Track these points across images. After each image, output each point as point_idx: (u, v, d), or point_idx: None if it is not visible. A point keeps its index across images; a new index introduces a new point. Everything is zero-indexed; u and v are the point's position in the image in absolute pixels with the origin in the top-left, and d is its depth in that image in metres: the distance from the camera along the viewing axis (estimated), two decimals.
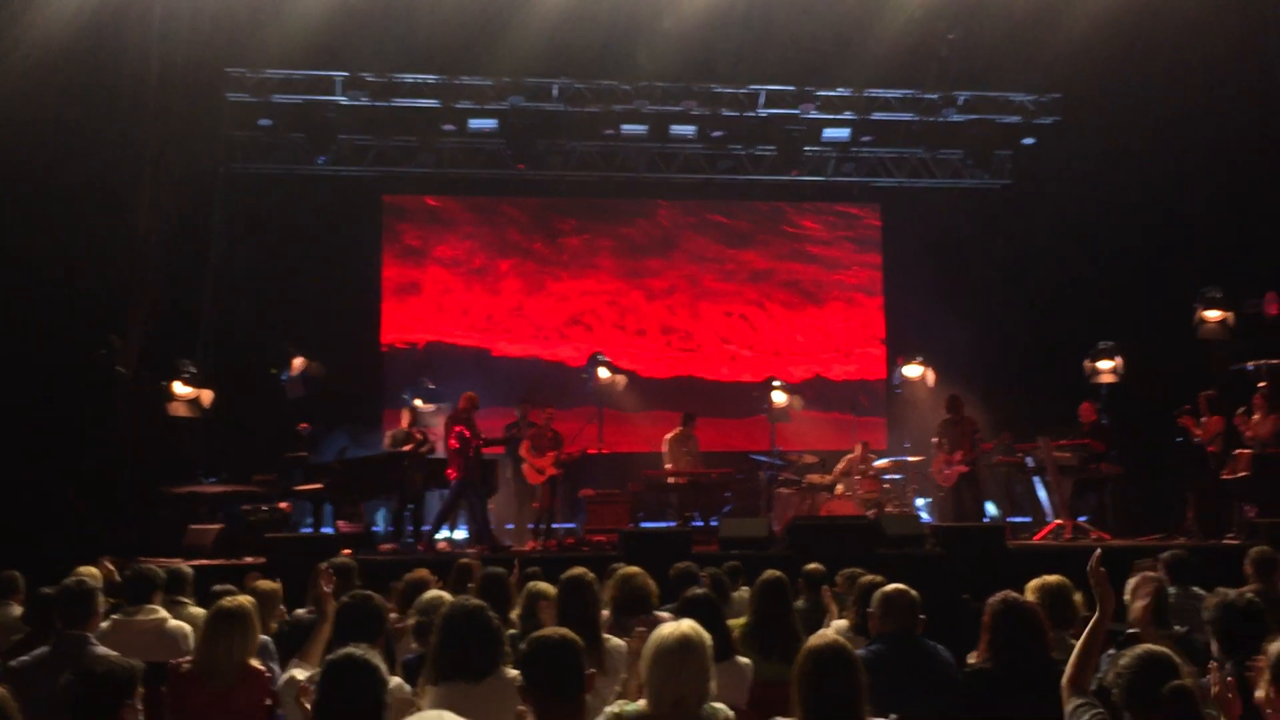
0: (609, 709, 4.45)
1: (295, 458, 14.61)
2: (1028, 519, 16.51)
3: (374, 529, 15.59)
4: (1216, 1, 14.90)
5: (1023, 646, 5.23)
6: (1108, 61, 16.44)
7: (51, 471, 13.51)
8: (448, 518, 14.60)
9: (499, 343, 19.51)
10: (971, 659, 5.56)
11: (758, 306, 20.28)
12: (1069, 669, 4.37)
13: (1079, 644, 4.41)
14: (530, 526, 15.42)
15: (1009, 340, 18.84)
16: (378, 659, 3.92)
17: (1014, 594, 5.47)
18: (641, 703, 4.40)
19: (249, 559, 12.13)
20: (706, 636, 4.41)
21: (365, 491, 14.67)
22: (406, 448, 14.28)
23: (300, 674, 5.06)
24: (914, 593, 5.69)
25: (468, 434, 14.16)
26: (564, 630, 4.13)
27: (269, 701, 5.77)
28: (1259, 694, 4.27)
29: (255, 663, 5.82)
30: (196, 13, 15.53)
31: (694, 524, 15.27)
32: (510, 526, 16.06)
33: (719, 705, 4.38)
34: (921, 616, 5.68)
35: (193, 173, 16.12)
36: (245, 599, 6.00)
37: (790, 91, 18.43)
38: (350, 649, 3.89)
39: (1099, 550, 4.97)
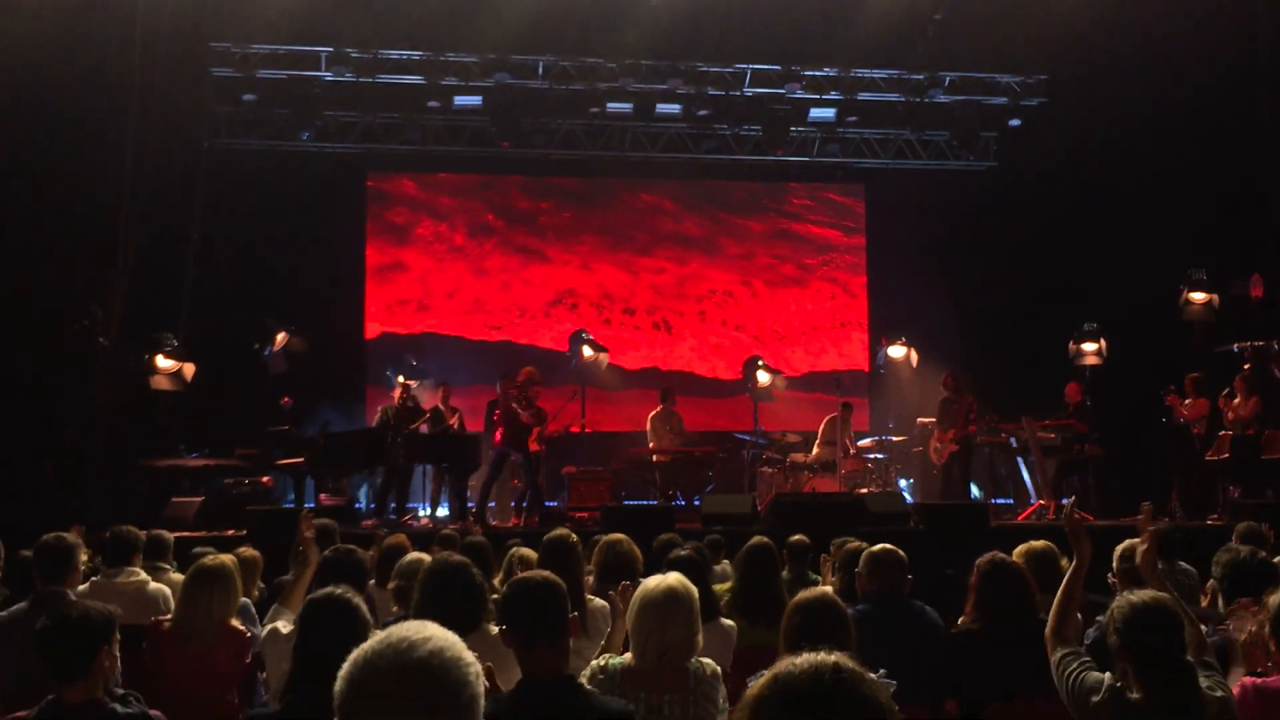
0: (595, 662, 4.42)
1: (277, 432, 14.53)
2: (1009, 500, 16.54)
3: (356, 505, 15.52)
4: None
5: (1010, 606, 5.22)
6: (1094, 44, 16.43)
7: (30, 443, 13.42)
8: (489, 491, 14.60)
9: (486, 327, 19.40)
10: (960, 621, 5.54)
11: (744, 287, 20.22)
12: (1051, 619, 4.34)
13: (1059, 593, 4.38)
14: (513, 504, 15.38)
15: (994, 321, 18.83)
16: (359, 600, 3.87)
17: (1002, 554, 5.45)
18: (627, 656, 4.37)
19: (230, 532, 12.08)
20: (693, 589, 4.39)
21: (348, 466, 14.63)
22: (430, 424, 14.64)
23: (283, 625, 5.00)
24: (901, 553, 5.67)
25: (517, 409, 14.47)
26: (546, 573, 4.08)
27: (248, 660, 5.72)
28: (1242, 637, 4.27)
29: (235, 623, 5.76)
30: None
31: (676, 503, 15.27)
32: (492, 504, 15.99)
33: (705, 660, 4.35)
34: (909, 577, 5.65)
35: (176, 147, 16.00)
36: (227, 558, 5.95)
37: (776, 71, 18.36)
38: (331, 588, 3.85)
39: (1074, 497, 4.97)
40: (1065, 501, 5.05)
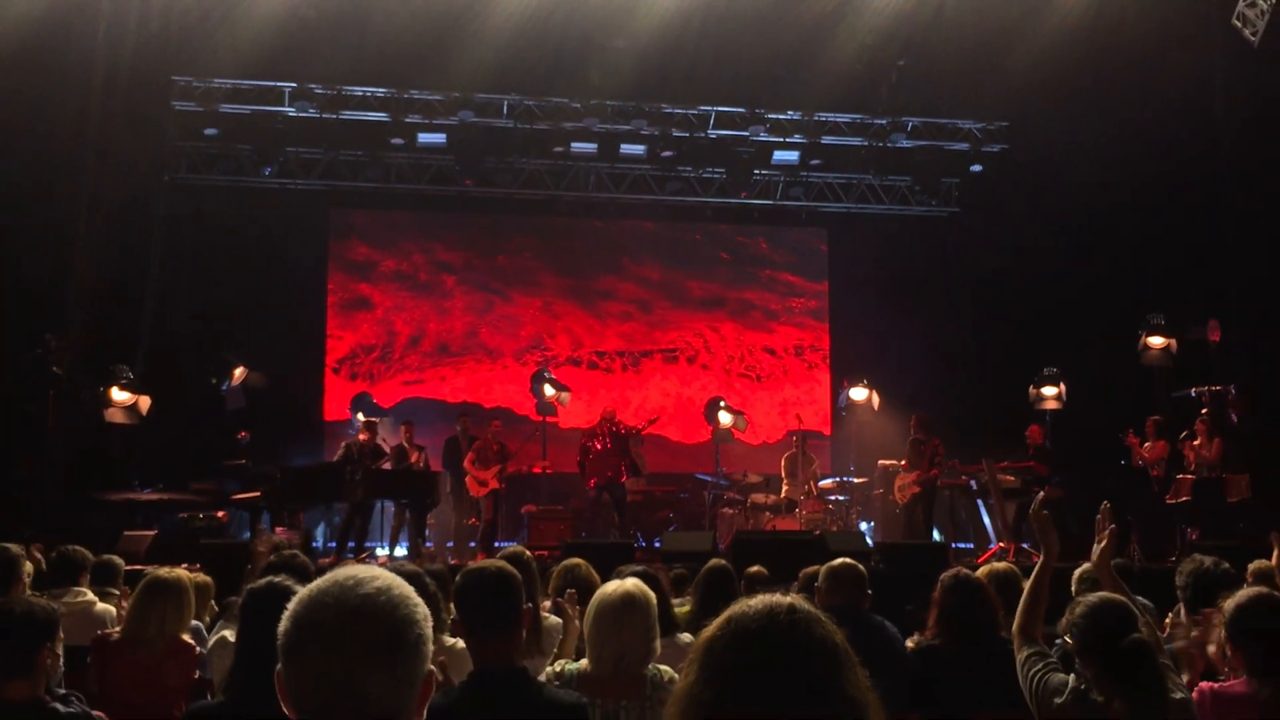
0: (550, 668, 4.35)
1: (234, 466, 14.37)
2: (970, 545, 16.50)
3: (313, 543, 15.35)
4: (1160, 33, 15.06)
5: (972, 622, 5.17)
6: (1054, 91, 16.62)
7: None
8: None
9: (449, 376, 19.27)
10: (921, 636, 5.49)
11: (707, 329, 20.19)
12: (1017, 617, 4.29)
13: (1026, 591, 4.33)
14: (471, 545, 15.26)
15: (955, 364, 18.91)
16: (300, 588, 3.78)
17: (965, 570, 5.41)
18: (583, 661, 4.30)
19: (184, 566, 11.87)
20: (651, 595, 4.31)
21: (305, 501, 14.47)
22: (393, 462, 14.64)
23: (230, 634, 4.90)
24: (860, 567, 5.62)
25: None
26: (501, 563, 4.00)
27: (196, 676, 5.60)
28: (1211, 649, 4.23)
29: (186, 637, 5.64)
30: (144, 19, 15.39)
31: (638, 544, 15.17)
32: (450, 545, 15.89)
33: (663, 667, 4.28)
34: (869, 591, 5.59)
35: (136, 180, 15.85)
36: (181, 571, 5.83)
37: (740, 113, 18.46)
38: (272, 577, 3.76)
39: (1042, 494, 4.94)
40: (1040, 493, 5.01)
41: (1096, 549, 4.82)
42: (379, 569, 2.05)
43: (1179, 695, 3.79)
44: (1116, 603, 3.95)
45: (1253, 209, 14.94)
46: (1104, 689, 3.76)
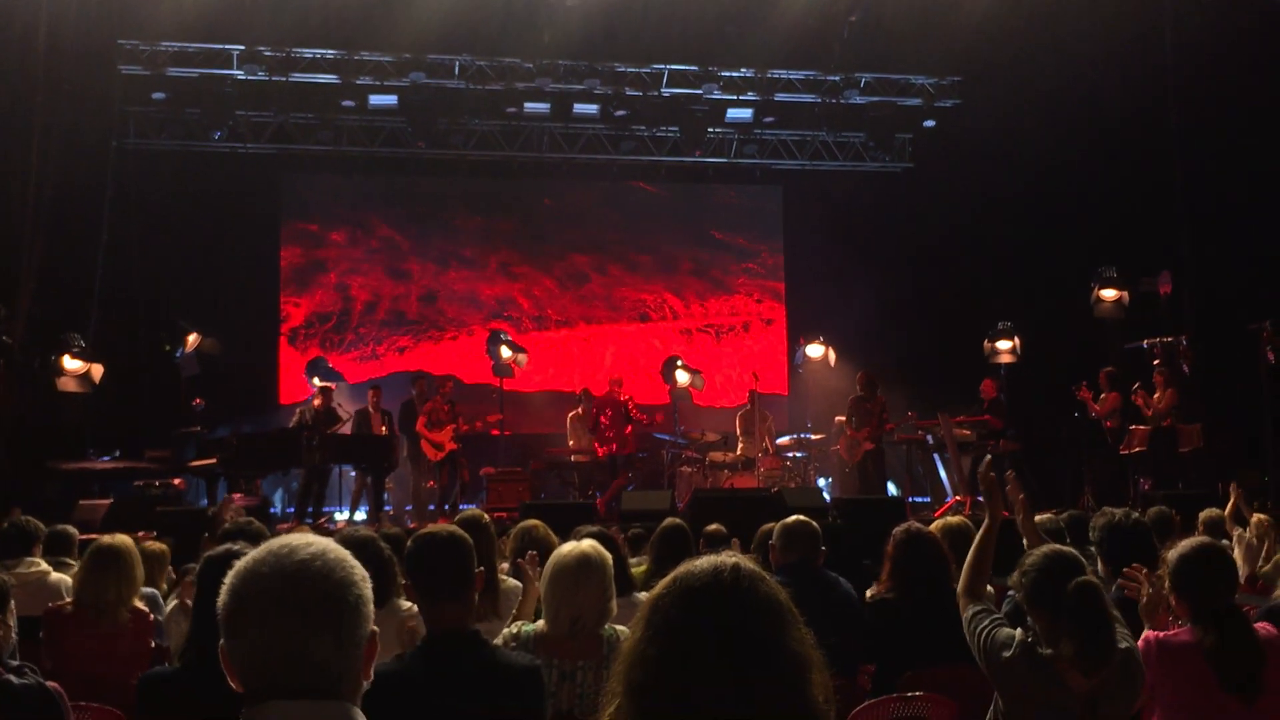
0: (506, 630, 4.36)
1: (189, 433, 14.30)
2: (927, 499, 16.63)
3: (271, 509, 15.30)
4: None
5: (925, 576, 5.22)
6: (1006, 45, 16.59)
7: None
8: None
9: (405, 341, 19.21)
10: (875, 589, 5.53)
11: (668, 291, 20.19)
12: (963, 577, 4.32)
13: (972, 549, 4.36)
14: (431, 508, 15.25)
15: (910, 320, 18.98)
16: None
17: (918, 524, 5.46)
18: (540, 623, 4.31)
19: (140, 534, 11.82)
20: (607, 556, 4.34)
21: (261, 467, 14.42)
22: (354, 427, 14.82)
23: (187, 600, 4.89)
24: (814, 524, 5.66)
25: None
26: (453, 527, 4.00)
27: (152, 645, 5.58)
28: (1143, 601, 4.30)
29: (140, 604, 5.62)
30: None
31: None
32: (409, 508, 15.90)
33: (620, 627, 4.30)
34: (823, 548, 5.63)
35: (83, 145, 15.63)
36: (124, 538, 5.80)
37: (694, 71, 18.39)
38: (229, 544, 3.75)
39: (989, 457, 4.98)
40: (988, 456, 5.07)
41: (1018, 519, 4.90)
42: (312, 535, 2.06)
43: (1124, 645, 3.84)
44: (1066, 553, 4.00)
45: (1203, 162, 15.05)
46: (1052, 640, 3.81)
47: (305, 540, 2.01)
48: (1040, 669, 3.82)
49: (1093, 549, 5.34)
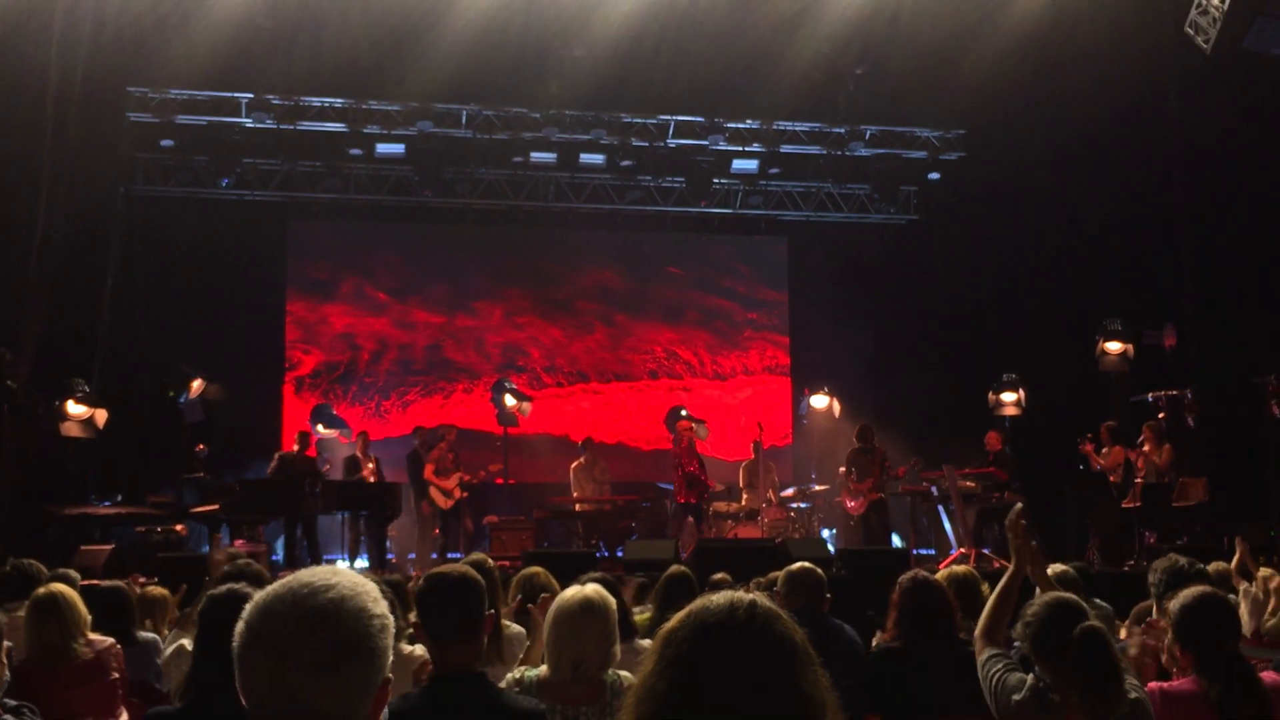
0: (510, 675, 4.32)
1: (192, 479, 14.27)
2: (931, 550, 16.55)
3: (274, 558, 15.23)
4: (1114, 41, 15.17)
5: (931, 624, 5.17)
6: (1010, 99, 16.68)
7: None
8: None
9: (412, 395, 19.16)
10: (878, 639, 5.49)
11: (670, 339, 20.16)
12: (982, 620, 4.29)
13: (994, 594, 4.33)
14: (434, 556, 15.18)
15: (915, 371, 18.94)
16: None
17: (924, 572, 5.42)
18: (543, 668, 4.27)
19: (141, 580, 11.77)
20: (610, 600, 4.30)
21: (263, 513, 14.37)
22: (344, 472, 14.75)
23: (188, 642, 4.85)
24: (819, 571, 5.62)
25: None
26: (464, 568, 3.98)
27: (122, 671, 5.46)
28: (1163, 656, 4.26)
29: (95, 635, 5.50)
30: (98, 28, 15.19)
31: (600, 554, 15.13)
32: (412, 556, 15.81)
33: (623, 673, 4.25)
34: (828, 595, 5.59)
35: (91, 192, 15.69)
36: (59, 585, 5.70)
37: (700, 123, 18.48)
38: (231, 584, 3.73)
39: (1019, 505, 4.94)
40: (1018, 504, 5.03)
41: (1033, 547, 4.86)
42: (342, 572, 2.03)
43: (1135, 696, 3.80)
44: (1069, 600, 3.97)
45: (1207, 215, 15.09)
46: (1061, 689, 3.78)
47: (329, 581, 1.97)
48: (1050, 713, 3.79)
49: (1151, 588, 5.34)
